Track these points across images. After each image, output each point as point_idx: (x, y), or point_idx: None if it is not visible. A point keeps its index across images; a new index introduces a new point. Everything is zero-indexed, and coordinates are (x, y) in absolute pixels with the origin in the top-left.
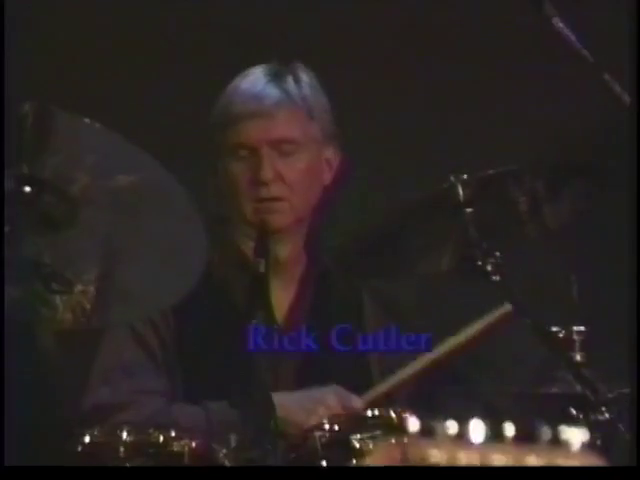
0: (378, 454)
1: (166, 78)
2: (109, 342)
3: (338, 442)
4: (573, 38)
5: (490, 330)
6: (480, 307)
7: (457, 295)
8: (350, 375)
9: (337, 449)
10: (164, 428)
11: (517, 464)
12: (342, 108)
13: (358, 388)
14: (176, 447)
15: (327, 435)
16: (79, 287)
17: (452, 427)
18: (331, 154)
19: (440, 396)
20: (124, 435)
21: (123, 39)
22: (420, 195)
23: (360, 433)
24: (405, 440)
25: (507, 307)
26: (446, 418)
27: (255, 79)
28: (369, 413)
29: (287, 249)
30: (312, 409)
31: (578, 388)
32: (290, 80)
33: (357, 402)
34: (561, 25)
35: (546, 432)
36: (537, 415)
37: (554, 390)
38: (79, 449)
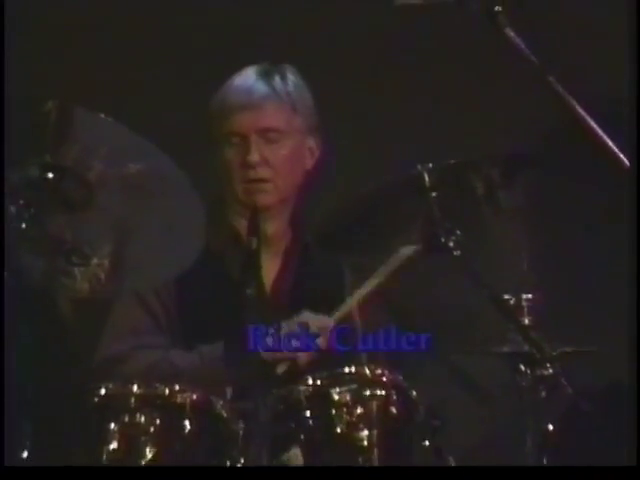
0: None
1: (167, 77)
2: (119, 307)
3: (320, 395)
4: (523, 46)
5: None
6: (444, 277)
7: (425, 268)
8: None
9: (319, 401)
10: (168, 381)
11: None
12: (325, 104)
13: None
14: (179, 399)
15: (310, 389)
16: (95, 260)
17: None
18: (313, 143)
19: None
20: (134, 388)
21: (123, 39)
22: (391, 180)
23: (339, 387)
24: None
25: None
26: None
27: (247, 76)
28: (347, 370)
29: (274, 226)
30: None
31: (526, 347)
32: (277, 78)
33: (328, 321)
34: (512, 35)
35: None
36: (491, 370)
37: (505, 349)
38: (95, 400)
